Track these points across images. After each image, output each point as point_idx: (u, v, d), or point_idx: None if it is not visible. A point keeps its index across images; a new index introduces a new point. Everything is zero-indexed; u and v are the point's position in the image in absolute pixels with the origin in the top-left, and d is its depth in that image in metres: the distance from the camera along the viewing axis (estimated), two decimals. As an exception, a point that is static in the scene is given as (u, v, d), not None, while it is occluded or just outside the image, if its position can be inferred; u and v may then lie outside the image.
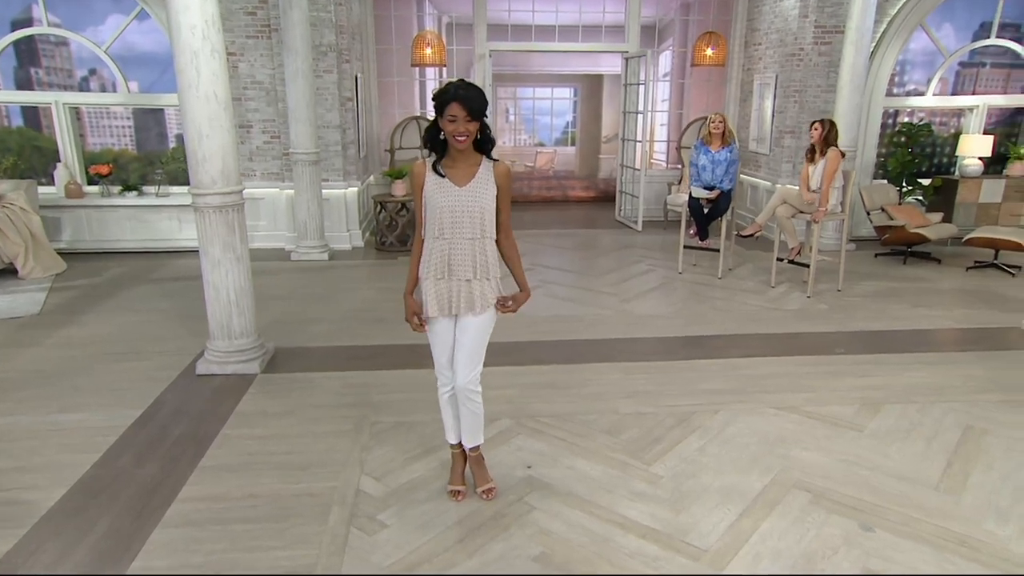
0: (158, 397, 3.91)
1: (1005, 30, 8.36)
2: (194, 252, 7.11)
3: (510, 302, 2.71)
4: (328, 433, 3.49)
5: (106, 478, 3.08)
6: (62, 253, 6.95)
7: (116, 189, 7.66)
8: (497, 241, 2.67)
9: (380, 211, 7.66)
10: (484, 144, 2.58)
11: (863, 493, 2.91)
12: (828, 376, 4.15)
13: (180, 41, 3.79)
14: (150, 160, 8.51)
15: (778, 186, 7.91)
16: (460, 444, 2.96)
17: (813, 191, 5.83)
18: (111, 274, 6.68)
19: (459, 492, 2.92)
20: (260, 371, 4.25)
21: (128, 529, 2.71)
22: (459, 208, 2.55)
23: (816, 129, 5.79)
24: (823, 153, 5.75)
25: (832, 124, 5.78)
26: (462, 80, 2.52)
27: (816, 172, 5.76)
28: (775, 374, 4.19)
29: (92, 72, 8.29)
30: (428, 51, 8.37)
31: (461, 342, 2.70)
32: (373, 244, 7.92)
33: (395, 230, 7.61)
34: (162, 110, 8.48)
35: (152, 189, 7.79)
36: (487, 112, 2.53)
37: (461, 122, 2.43)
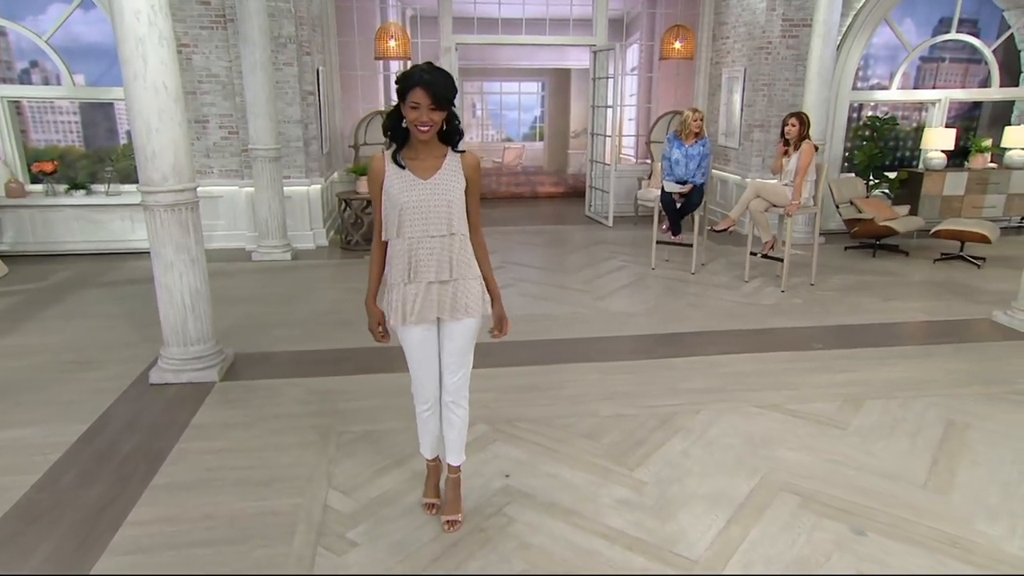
0: (107, 410, 3.64)
1: (963, 25, 8.48)
2: (148, 253, 6.79)
3: (496, 331, 2.58)
4: (292, 445, 3.28)
5: (46, 501, 2.82)
6: (3, 256, 6.55)
7: (62, 188, 7.25)
8: None
9: (345, 209, 7.42)
10: (451, 135, 2.34)
11: (851, 494, 2.82)
12: (808, 372, 4.09)
13: (124, 27, 3.53)
14: (99, 157, 8.09)
15: (748, 180, 7.90)
16: (437, 459, 2.79)
17: (786, 184, 5.78)
18: (57, 278, 6.31)
19: (433, 506, 2.74)
20: (218, 379, 4.01)
21: (71, 558, 2.47)
22: (423, 204, 2.30)
23: (793, 125, 5.71)
24: (797, 147, 5.70)
25: (808, 118, 5.74)
26: (429, 64, 2.25)
27: (791, 165, 5.71)
28: (755, 371, 4.11)
29: (33, 64, 7.85)
30: (392, 44, 8.13)
31: (447, 348, 2.48)
32: (338, 243, 7.67)
33: (361, 228, 7.37)
34: (111, 104, 8.08)
35: (102, 188, 7.39)
36: (455, 101, 2.29)
37: (424, 110, 2.18)
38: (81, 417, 3.54)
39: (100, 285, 6.10)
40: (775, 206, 5.80)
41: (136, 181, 7.62)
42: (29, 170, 7.28)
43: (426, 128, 2.23)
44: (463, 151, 2.40)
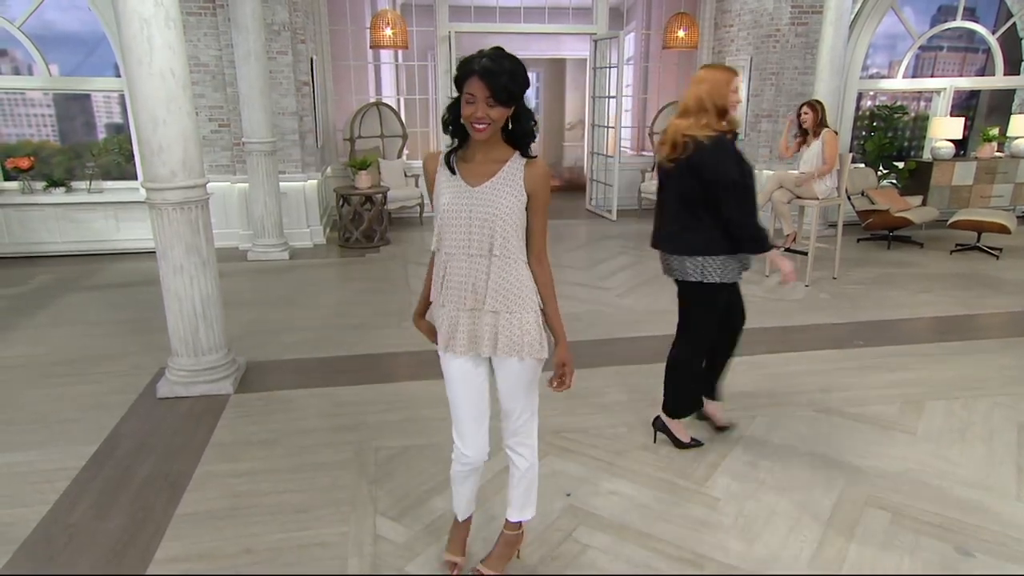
0: (114, 428, 3.32)
1: (962, 13, 8.43)
2: (135, 254, 6.40)
3: (561, 377, 2.04)
4: (326, 464, 3.01)
5: (60, 537, 2.51)
6: (-21, 259, 6.13)
7: (40, 185, 6.81)
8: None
9: (343, 205, 7.10)
10: (519, 137, 1.91)
11: (942, 508, 2.64)
12: (857, 372, 3.92)
13: (127, 8, 3.20)
14: (77, 153, 7.63)
15: (767, 172, 7.74)
16: (469, 520, 2.35)
17: (803, 172, 5.62)
18: (39, 282, 5.90)
19: (455, 564, 2.30)
20: (233, 391, 3.70)
21: (97, 607, 2.19)
22: (463, 214, 1.91)
23: (807, 113, 5.58)
24: (816, 135, 5.54)
25: (822, 105, 5.59)
26: (496, 49, 1.83)
27: (808, 156, 5.55)
28: (801, 372, 3.93)
29: (2, 53, 7.34)
30: (388, 32, 7.79)
31: (499, 388, 2.09)
32: (336, 241, 7.34)
33: (360, 225, 7.06)
34: (88, 96, 7.63)
35: (82, 184, 6.96)
36: (523, 95, 1.85)
37: (480, 105, 1.79)
38: (86, 438, 3.22)
39: (87, 289, 5.71)
40: (799, 197, 5.63)
41: (118, 177, 7.24)
42: (2, 166, 6.82)
43: (482, 126, 1.83)
44: (533, 157, 1.95)
